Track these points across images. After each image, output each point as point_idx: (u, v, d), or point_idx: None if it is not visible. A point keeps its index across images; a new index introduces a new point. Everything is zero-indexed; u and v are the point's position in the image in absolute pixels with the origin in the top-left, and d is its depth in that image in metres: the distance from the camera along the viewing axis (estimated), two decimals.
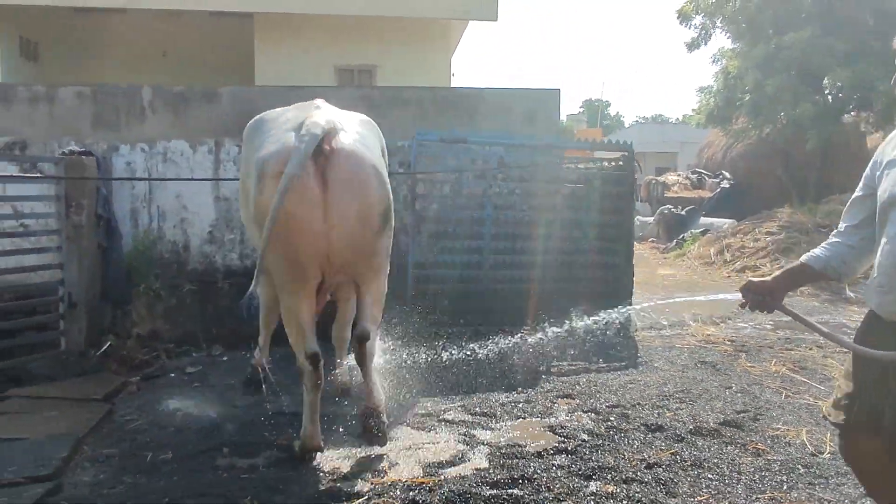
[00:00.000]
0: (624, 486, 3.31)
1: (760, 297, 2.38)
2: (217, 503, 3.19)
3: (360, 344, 3.66)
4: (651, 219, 16.72)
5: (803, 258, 2.40)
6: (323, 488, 3.30)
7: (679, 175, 22.94)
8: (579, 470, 3.48)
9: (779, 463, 3.58)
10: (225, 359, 5.80)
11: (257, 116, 4.07)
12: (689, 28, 15.97)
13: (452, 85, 10.97)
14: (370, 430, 3.72)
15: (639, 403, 4.54)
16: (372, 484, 3.36)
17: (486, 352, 5.90)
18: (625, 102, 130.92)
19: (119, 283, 6.39)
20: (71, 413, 4.48)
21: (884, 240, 2.09)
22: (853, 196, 2.31)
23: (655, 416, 4.30)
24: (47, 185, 5.89)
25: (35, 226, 5.88)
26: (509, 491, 3.25)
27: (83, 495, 3.31)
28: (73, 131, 6.36)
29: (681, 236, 14.64)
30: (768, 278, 2.42)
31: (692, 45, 16.18)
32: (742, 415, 4.30)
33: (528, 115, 6.91)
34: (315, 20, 9.28)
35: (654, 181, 21.17)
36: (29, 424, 4.24)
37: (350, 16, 9.32)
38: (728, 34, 15.66)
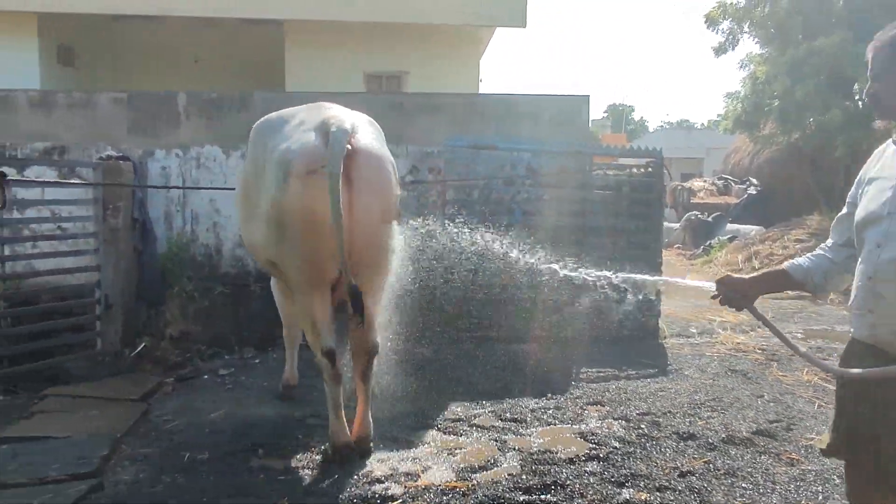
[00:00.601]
0: (657, 493, 3.31)
1: (733, 295, 2.29)
2: (252, 503, 3.24)
3: (369, 358, 3.74)
4: (677, 225, 16.60)
5: (786, 265, 2.32)
6: (357, 491, 3.34)
7: (705, 181, 22.76)
8: (612, 477, 3.49)
9: (814, 473, 3.55)
10: (257, 361, 5.87)
11: (263, 118, 4.06)
12: (717, 33, 15.83)
13: (480, 91, 11.02)
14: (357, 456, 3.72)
15: (670, 411, 4.53)
16: (405, 487, 3.39)
17: (512, 358, 5.93)
18: (649, 107, 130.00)
19: (153, 284, 6.51)
20: (109, 412, 4.58)
21: (859, 260, 2.02)
22: (839, 213, 2.24)
23: (687, 424, 4.29)
24: (85, 188, 6.02)
25: (73, 229, 6.01)
26: (542, 497, 3.27)
27: (124, 493, 3.38)
28: (110, 136, 6.50)
29: (707, 243, 14.52)
30: (746, 276, 2.33)
31: (719, 50, 16.04)
32: (775, 424, 4.27)
33: (558, 121, 6.92)
34: (344, 27, 9.37)
35: (679, 187, 21.02)
36: (69, 423, 4.34)
37: (379, 22, 9.39)
38: (756, 39, 15.51)
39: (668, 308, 8.29)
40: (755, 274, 2.37)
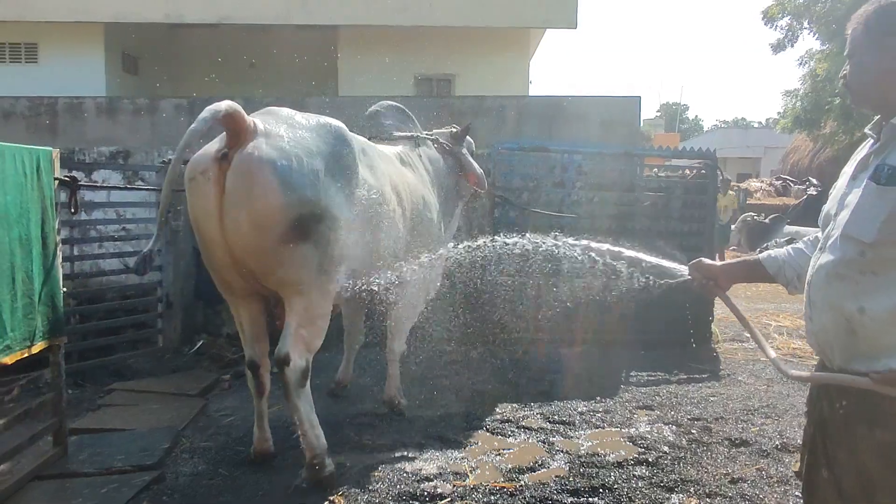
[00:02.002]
0: (707, 499, 3.28)
1: (705, 281, 2.17)
2: (306, 500, 3.33)
3: (278, 367, 3.37)
4: (733, 227, 16.23)
5: (762, 255, 2.17)
6: (407, 488, 3.41)
7: (762, 181, 22.20)
8: (661, 482, 3.47)
9: None
10: None
11: None
12: (775, 29, 15.48)
13: (530, 93, 11.01)
14: (312, 479, 3.43)
15: (722, 417, 4.47)
16: (454, 486, 3.44)
17: (561, 360, 5.93)
18: (704, 106, 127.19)
19: (210, 284, 6.69)
20: (170, 407, 4.77)
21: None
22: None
23: (739, 430, 4.22)
24: (147, 191, 6.26)
25: (136, 230, 6.25)
26: (590, 499, 3.28)
27: (184, 485, 3.52)
28: (172, 141, 6.74)
29: (764, 245, 14.16)
30: (718, 263, 2.20)
31: (778, 47, 15.68)
32: None
33: (608, 122, 6.88)
34: (396, 31, 9.51)
35: (735, 187, 20.57)
36: (133, 416, 4.53)
37: (430, 26, 9.49)
38: (816, 35, 15.09)
39: (721, 313, 8.16)
40: (731, 260, 2.24)
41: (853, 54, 1.77)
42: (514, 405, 4.75)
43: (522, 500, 3.25)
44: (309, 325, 3.42)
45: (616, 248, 2.59)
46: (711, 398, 4.90)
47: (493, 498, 3.29)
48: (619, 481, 3.47)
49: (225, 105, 3.12)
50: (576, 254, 2.91)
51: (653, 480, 3.49)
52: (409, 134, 4.77)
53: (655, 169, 7.09)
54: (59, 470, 3.65)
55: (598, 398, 4.89)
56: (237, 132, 3.14)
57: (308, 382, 3.45)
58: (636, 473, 3.58)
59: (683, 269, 2.25)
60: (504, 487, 3.41)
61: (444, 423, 4.36)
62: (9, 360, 3.26)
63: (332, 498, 3.29)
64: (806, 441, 1.94)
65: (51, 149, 3.73)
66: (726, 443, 4.02)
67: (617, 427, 4.34)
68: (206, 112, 3.07)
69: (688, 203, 6.77)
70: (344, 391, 4.97)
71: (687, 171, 6.89)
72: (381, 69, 9.28)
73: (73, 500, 3.34)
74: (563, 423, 4.41)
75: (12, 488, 3.37)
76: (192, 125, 3.05)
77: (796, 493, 3.34)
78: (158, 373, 5.73)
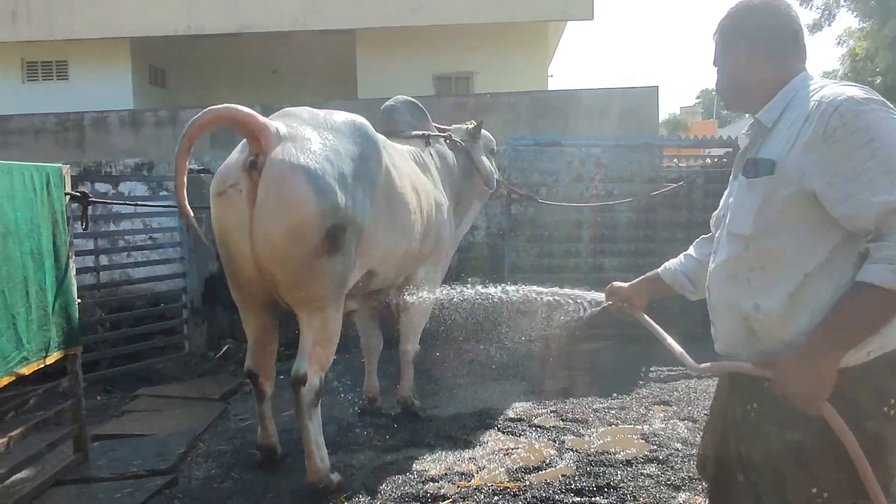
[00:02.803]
0: None
1: (620, 303, 2.17)
2: (311, 502, 3.37)
3: (294, 387, 3.30)
4: None
5: (661, 268, 2.16)
6: (410, 489, 3.42)
7: None
8: (669, 480, 3.41)
9: None
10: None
11: None
12: (811, 9, 15.05)
13: (550, 87, 10.91)
14: (316, 493, 3.33)
15: None
16: (458, 487, 3.45)
17: (581, 357, 5.87)
18: None
19: None
20: (191, 411, 4.88)
21: None
22: None
23: None
24: (172, 200, 6.42)
25: (162, 239, 6.41)
26: (593, 499, 3.25)
27: (196, 488, 3.61)
28: (194, 151, 6.87)
29: None
30: (626, 284, 2.18)
31: (815, 27, 15.24)
32: None
33: (627, 114, 6.78)
34: (413, 32, 9.53)
35: None
36: (154, 422, 4.65)
37: (446, 25, 9.47)
38: (855, 13, 14.61)
39: None
40: (637, 280, 2.20)
41: (715, 62, 1.83)
42: (529, 403, 4.72)
43: (524, 501, 3.23)
44: (325, 343, 3.33)
45: (537, 290, 2.61)
46: None
47: (495, 498, 3.28)
48: (626, 480, 3.43)
49: (219, 109, 3.02)
50: (495, 298, 2.89)
51: (661, 479, 3.44)
52: (422, 133, 4.64)
53: (676, 159, 6.96)
54: (78, 475, 3.77)
55: (615, 395, 4.83)
56: (255, 136, 3.01)
57: (319, 402, 3.40)
58: (644, 472, 3.53)
59: (601, 297, 2.23)
60: (508, 488, 3.40)
61: (456, 423, 4.36)
62: (26, 370, 3.38)
63: (335, 500, 3.32)
64: (713, 441, 1.94)
65: (61, 165, 3.84)
66: None
67: (630, 424, 4.28)
68: (196, 117, 3.00)
69: (710, 192, 6.62)
70: (376, 405, 4.65)
71: (708, 161, 6.74)
72: (399, 70, 9.31)
73: None
74: (576, 420, 4.37)
75: (32, 493, 3.50)
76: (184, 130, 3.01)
77: None
78: (185, 377, 5.88)
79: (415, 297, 4.22)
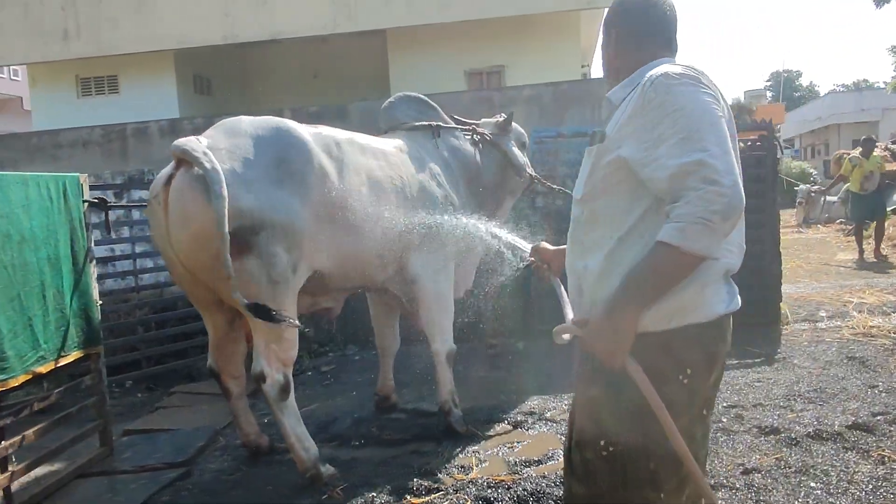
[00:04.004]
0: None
1: (540, 263, 2.19)
2: (307, 493, 3.44)
3: (256, 385, 3.48)
4: (836, 198, 15.08)
5: None
6: (406, 482, 3.45)
7: (879, 145, 20.44)
8: None
9: None
10: (357, 358, 6.19)
11: None
12: None
13: (587, 78, 10.72)
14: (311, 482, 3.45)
15: (760, 403, 4.22)
16: (455, 480, 3.46)
17: None
18: (820, 71, 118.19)
19: None
20: (217, 407, 5.05)
21: None
22: None
23: (775, 417, 3.97)
24: None
25: None
26: None
27: (206, 480, 3.75)
28: None
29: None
30: (552, 248, 2.20)
31: (880, 1, 14.45)
32: (878, 417, 3.83)
33: None
34: (443, 28, 9.55)
35: (845, 155, 19.07)
36: (182, 417, 4.86)
37: (476, 20, 9.45)
38: None
39: (803, 291, 7.68)
40: (563, 245, 2.16)
41: (601, 46, 2.01)
42: (543, 397, 4.69)
43: (515, 493, 3.22)
44: (277, 341, 3.40)
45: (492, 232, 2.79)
46: (757, 383, 4.62)
47: (488, 491, 3.28)
48: None
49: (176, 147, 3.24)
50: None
51: None
52: (427, 123, 4.53)
53: None
54: (101, 468, 3.98)
55: None
56: (181, 158, 3.23)
57: (290, 396, 3.49)
58: None
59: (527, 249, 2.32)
60: (502, 481, 3.39)
61: (467, 417, 4.36)
62: (43, 369, 3.59)
63: (330, 492, 3.39)
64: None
65: (77, 175, 4.06)
66: (754, 431, 3.79)
67: None
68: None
69: (744, 178, 6.38)
70: (388, 403, 4.67)
71: (740, 145, 6.48)
72: (431, 67, 9.35)
73: (106, 495, 3.65)
74: None
75: (56, 485, 3.72)
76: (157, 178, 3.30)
77: (811, 484, 3.12)
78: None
79: (426, 291, 4.12)
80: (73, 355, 3.83)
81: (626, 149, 1.65)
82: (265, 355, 3.40)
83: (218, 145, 3.29)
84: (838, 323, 6.17)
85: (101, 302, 4.14)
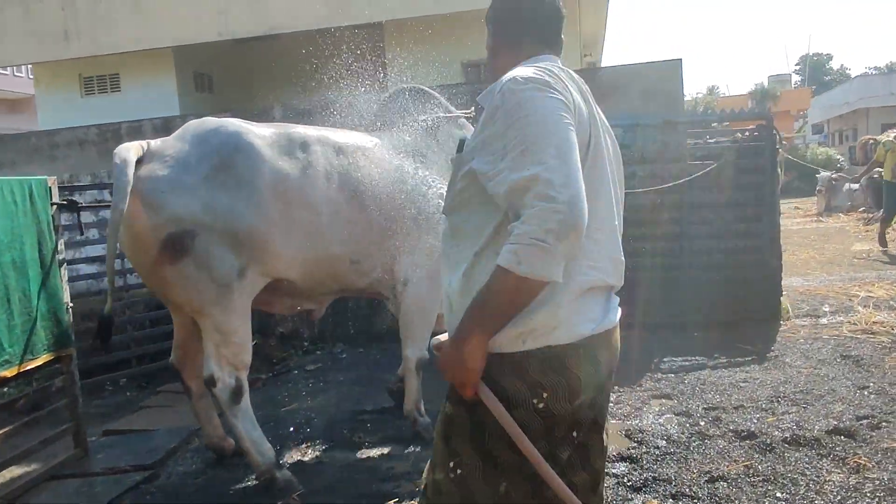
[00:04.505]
0: (670, 500, 3.02)
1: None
2: (265, 497, 3.40)
3: (208, 388, 3.51)
4: (858, 186, 14.66)
5: None
6: (366, 488, 3.41)
7: None
8: (631, 480, 3.23)
9: (878, 482, 3.02)
10: (344, 356, 6.15)
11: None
12: None
13: (591, 67, 10.47)
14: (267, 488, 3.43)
15: (742, 406, 4.08)
16: (414, 486, 3.39)
17: None
18: (852, 53, 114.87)
19: None
20: None
21: None
22: None
23: (754, 420, 3.83)
24: None
25: None
26: None
27: (172, 483, 3.74)
28: None
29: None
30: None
31: None
32: (862, 422, 3.68)
33: (648, 91, 6.44)
34: (440, 20, 9.39)
35: (871, 141, 18.50)
36: (162, 417, 4.85)
37: (471, 10, 9.29)
38: None
39: (811, 284, 7.47)
40: None
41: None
42: None
43: None
44: (225, 344, 3.38)
45: None
46: (742, 384, 4.48)
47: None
48: None
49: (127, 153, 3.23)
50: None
51: (625, 479, 3.26)
52: (428, 117, 4.28)
53: (708, 136, 6.55)
54: (73, 470, 3.98)
55: (615, 387, 4.61)
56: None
57: (244, 399, 3.44)
58: (611, 471, 3.35)
59: None
60: None
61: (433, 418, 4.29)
62: (8, 373, 3.60)
63: (285, 500, 3.34)
64: None
65: (46, 177, 4.05)
66: (730, 435, 3.66)
67: (621, 419, 4.08)
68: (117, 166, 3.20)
69: (743, 169, 6.20)
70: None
71: (738, 136, 6.30)
72: (427, 60, 9.20)
73: (72, 498, 3.65)
74: None
75: (25, 486, 3.73)
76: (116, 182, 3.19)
77: (777, 494, 3.00)
78: None
79: (411, 295, 3.93)
80: (42, 358, 3.83)
81: (476, 161, 1.56)
82: (216, 359, 3.38)
83: (165, 150, 3.32)
84: (841, 318, 5.97)
85: (72, 304, 4.13)
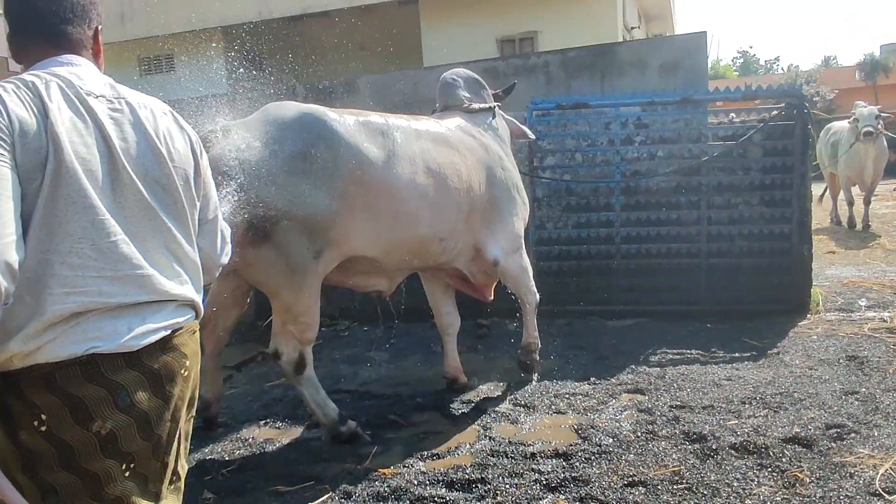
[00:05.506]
0: (577, 503, 2.89)
1: None
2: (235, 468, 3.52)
3: (273, 361, 3.69)
4: None
5: None
6: (296, 469, 3.45)
7: None
8: (552, 480, 3.11)
9: (806, 499, 2.77)
10: (346, 333, 6.23)
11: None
12: None
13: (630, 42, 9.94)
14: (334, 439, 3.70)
15: (711, 406, 3.84)
16: (341, 469, 3.40)
17: (596, 335, 5.47)
18: None
19: None
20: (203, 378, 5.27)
21: None
22: None
23: (715, 422, 3.60)
24: None
25: None
26: (452, 493, 3.07)
27: None
28: None
29: None
30: None
31: None
32: (830, 431, 3.37)
33: (670, 66, 6.07)
34: None
35: None
36: None
37: None
38: None
39: (859, 275, 6.91)
40: None
41: None
42: (495, 384, 4.52)
43: (380, 487, 3.13)
44: (293, 322, 3.52)
45: None
46: (725, 382, 4.21)
47: (357, 485, 3.20)
48: (506, 475, 3.18)
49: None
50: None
51: (543, 477, 3.14)
52: (483, 106, 4.50)
53: (732, 114, 6.12)
54: None
55: (593, 379, 4.45)
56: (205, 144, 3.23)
57: (307, 370, 3.64)
58: (537, 467, 3.25)
59: None
60: (382, 473, 3.31)
61: (408, 401, 4.30)
62: None
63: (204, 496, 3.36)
64: None
65: None
66: (679, 437, 3.45)
67: (579, 413, 3.93)
68: None
69: (770, 151, 5.77)
70: (458, 384, 4.48)
71: (765, 115, 5.84)
72: (463, 35, 9.05)
73: None
74: (524, 406, 4.11)
75: None
76: None
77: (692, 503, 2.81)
78: (232, 343, 6.33)
79: (509, 271, 4.27)
80: None
81: None
82: (282, 335, 3.57)
83: (248, 133, 3.30)
84: (872, 315, 5.49)
85: None
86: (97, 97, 1.56)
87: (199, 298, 1.74)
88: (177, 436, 1.68)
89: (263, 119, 3.40)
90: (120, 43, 10.72)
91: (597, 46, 6.36)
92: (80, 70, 1.60)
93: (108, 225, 1.51)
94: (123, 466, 1.54)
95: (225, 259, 1.97)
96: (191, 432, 1.86)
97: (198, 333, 1.79)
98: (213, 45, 10.64)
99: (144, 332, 1.55)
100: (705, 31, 5.94)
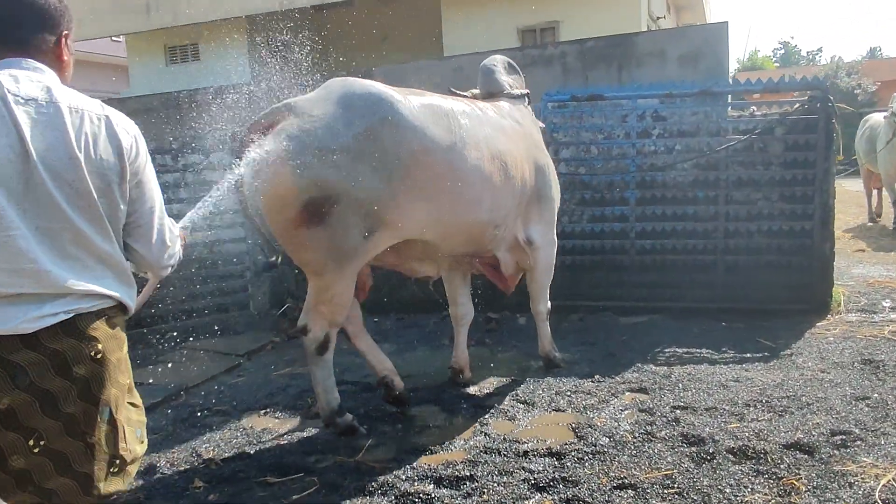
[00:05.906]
0: None
1: None
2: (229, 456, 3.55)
3: (299, 336, 3.69)
4: None
5: None
6: (285, 459, 3.46)
7: None
8: (539, 479, 3.06)
9: None
10: None
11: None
12: None
13: (650, 30, 9.72)
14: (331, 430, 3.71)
15: (715, 408, 3.74)
16: (334, 461, 3.40)
17: (607, 331, 5.39)
18: None
19: None
20: (206, 365, 5.34)
21: None
22: None
23: (716, 425, 3.50)
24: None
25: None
26: (439, 490, 3.04)
27: None
28: None
29: None
30: None
31: None
32: (835, 437, 3.26)
33: (689, 57, 5.92)
34: None
35: None
36: (169, 373, 5.14)
37: None
38: None
39: (889, 275, 6.69)
40: None
41: None
42: (499, 379, 4.47)
43: (374, 482, 3.11)
44: (326, 303, 3.52)
45: None
46: (732, 383, 4.10)
47: (346, 477, 3.19)
48: (495, 473, 3.14)
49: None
50: None
51: (534, 477, 3.09)
52: (523, 92, 4.53)
53: (753, 107, 5.94)
54: None
55: (597, 376, 4.37)
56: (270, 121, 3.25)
57: (328, 352, 3.62)
58: (529, 467, 3.20)
59: None
60: (373, 467, 3.29)
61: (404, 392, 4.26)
62: None
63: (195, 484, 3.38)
64: None
65: None
66: (677, 440, 3.37)
67: (578, 412, 3.86)
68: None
69: (791, 145, 5.59)
70: (462, 378, 4.45)
71: (787, 108, 5.66)
72: (484, 26, 8.94)
73: None
74: (524, 402, 4.05)
75: None
76: None
77: None
78: (246, 332, 6.41)
79: (542, 259, 4.32)
80: None
81: None
82: (313, 313, 3.56)
83: (311, 110, 3.23)
84: (894, 317, 5.30)
85: None
86: (26, 100, 1.65)
87: (118, 293, 1.84)
88: (108, 420, 1.77)
89: (326, 97, 3.31)
90: (147, 33, 10.88)
91: (615, 37, 6.23)
92: (22, 73, 1.69)
93: (7, 220, 1.62)
94: (31, 442, 1.66)
95: (168, 259, 2.05)
96: (143, 420, 1.91)
97: (117, 319, 1.86)
98: (237, 35, 10.72)
99: (41, 315, 1.66)
100: (727, 22, 5.78)
